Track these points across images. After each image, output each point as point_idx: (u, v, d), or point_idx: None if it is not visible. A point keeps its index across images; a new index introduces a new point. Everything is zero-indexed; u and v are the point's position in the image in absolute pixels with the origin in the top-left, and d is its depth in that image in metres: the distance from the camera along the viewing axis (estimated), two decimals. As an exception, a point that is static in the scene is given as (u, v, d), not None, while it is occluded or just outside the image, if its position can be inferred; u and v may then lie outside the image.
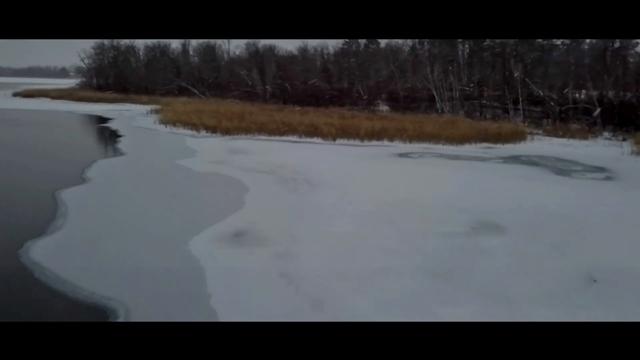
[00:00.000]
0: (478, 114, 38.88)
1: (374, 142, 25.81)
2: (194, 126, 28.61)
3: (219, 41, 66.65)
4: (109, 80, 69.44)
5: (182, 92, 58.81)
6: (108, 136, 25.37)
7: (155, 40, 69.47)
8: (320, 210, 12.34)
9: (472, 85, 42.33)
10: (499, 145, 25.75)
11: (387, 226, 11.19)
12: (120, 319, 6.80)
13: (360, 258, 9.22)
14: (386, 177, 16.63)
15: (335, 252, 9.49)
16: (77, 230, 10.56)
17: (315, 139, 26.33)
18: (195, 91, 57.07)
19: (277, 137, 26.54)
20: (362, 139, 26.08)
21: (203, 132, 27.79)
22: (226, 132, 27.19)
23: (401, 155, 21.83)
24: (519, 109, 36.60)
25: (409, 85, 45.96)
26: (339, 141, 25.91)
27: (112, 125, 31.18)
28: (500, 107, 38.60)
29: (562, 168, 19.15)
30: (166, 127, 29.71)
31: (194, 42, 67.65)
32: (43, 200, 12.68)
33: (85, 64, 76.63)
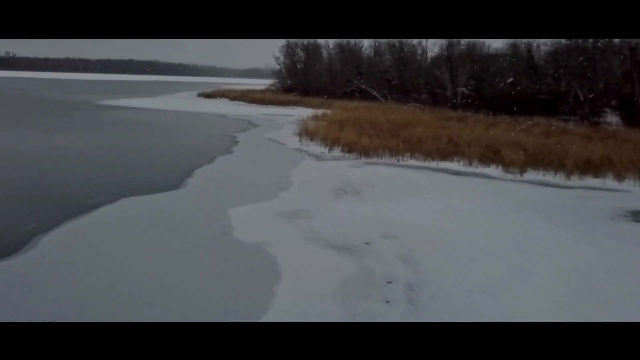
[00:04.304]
0: None
1: (588, 181, 15.87)
2: (331, 141, 21.47)
3: (415, 39, 58.66)
4: (292, 82, 66.44)
5: (362, 94, 52.47)
6: (213, 152, 19.53)
7: (343, 40, 64.21)
8: None
9: None
10: None
11: None
12: None
13: None
14: (600, 279, 7.48)
15: None
16: None
17: (490, 169, 17.27)
18: (375, 94, 50.22)
19: (434, 163, 18.05)
20: (568, 174, 16.30)
21: (336, 151, 20.51)
22: (364, 152, 19.50)
23: (635, 215, 11.92)
24: None
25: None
26: (528, 175, 16.50)
27: (241, 135, 25.55)
28: None
29: None
30: (300, 140, 23.06)
31: (383, 41, 60.49)
32: None
33: (278, 64, 75.14)
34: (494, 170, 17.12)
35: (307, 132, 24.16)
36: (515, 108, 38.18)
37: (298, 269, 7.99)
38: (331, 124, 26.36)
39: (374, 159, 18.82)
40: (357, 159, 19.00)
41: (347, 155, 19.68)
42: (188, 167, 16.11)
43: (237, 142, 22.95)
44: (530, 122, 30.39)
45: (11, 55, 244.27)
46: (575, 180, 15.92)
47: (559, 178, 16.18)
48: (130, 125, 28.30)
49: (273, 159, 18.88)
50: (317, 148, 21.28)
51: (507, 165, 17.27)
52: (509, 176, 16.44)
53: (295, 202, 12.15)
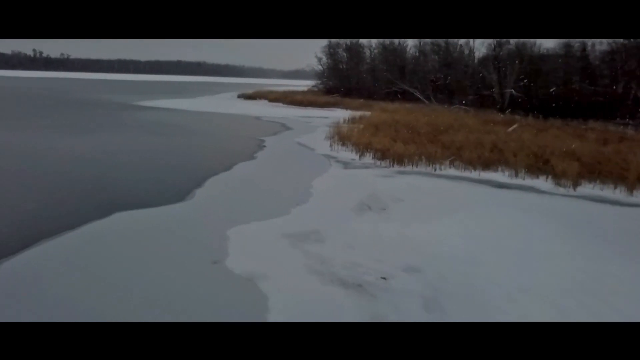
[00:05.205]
0: None
1: (656, 197, 13.74)
2: (363, 147, 19.85)
3: (461, 39, 56.10)
4: (334, 83, 65.05)
5: (405, 95, 50.53)
6: (234, 157, 18.24)
7: (386, 40, 62.21)
8: None
9: None
10: None
11: None
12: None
13: None
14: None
15: None
16: None
17: (539, 181, 15.31)
18: (418, 95, 48.18)
19: (475, 173, 16.20)
20: (630, 189, 14.19)
21: (368, 157, 18.89)
22: (397, 159, 17.78)
23: None
24: None
25: None
26: (582, 189, 14.49)
27: (269, 139, 24.18)
28: None
29: None
30: (330, 145, 21.53)
31: (427, 41, 58.14)
32: None
33: (321, 64, 73.86)
34: (543, 183, 15.16)
35: (339, 136, 22.62)
36: (567, 111, 35.55)
37: (290, 314, 6.46)
38: (367, 128, 24.77)
39: (408, 168, 17.10)
40: (390, 167, 17.32)
41: (378, 162, 18.02)
42: (201, 175, 14.83)
43: (264, 146, 21.60)
44: (584, 127, 27.96)
45: (65, 57, 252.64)
46: (639, 196, 13.82)
47: (620, 193, 14.11)
48: (155, 127, 27.35)
49: (297, 166, 17.40)
50: (347, 154, 19.71)
51: (558, 176, 15.26)
52: (561, 190, 14.46)
53: (309, 220, 10.62)
